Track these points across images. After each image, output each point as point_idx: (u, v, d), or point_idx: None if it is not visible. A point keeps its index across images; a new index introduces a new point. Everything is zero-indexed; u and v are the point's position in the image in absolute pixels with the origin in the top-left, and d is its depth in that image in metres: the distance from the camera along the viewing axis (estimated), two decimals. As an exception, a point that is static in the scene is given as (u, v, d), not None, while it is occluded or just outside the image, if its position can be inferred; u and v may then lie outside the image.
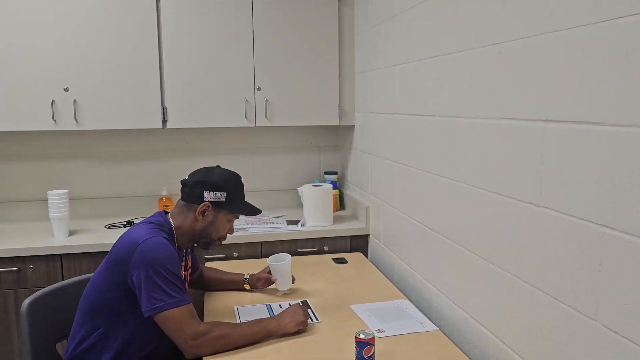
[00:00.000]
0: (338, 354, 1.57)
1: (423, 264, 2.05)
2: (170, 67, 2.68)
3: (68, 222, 2.55)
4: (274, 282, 2.04)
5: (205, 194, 1.73)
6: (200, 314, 2.42)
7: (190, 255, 1.95)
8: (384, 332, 1.73)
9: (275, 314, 1.84)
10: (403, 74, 2.19)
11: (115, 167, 3.03)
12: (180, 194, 1.79)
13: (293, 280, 2.08)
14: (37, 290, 1.82)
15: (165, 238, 1.63)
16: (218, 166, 1.83)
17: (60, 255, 2.42)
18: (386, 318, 1.84)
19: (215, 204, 1.75)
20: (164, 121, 2.72)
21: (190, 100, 2.72)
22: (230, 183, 1.76)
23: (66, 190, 2.54)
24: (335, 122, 2.92)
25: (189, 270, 1.94)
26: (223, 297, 2.06)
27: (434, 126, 1.90)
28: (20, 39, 2.53)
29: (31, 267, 2.40)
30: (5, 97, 2.54)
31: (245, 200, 1.89)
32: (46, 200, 2.90)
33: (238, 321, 1.81)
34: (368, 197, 2.74)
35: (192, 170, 1.85)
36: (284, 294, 2.05)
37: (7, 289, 2.39)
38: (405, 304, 1.97)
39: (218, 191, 1.73)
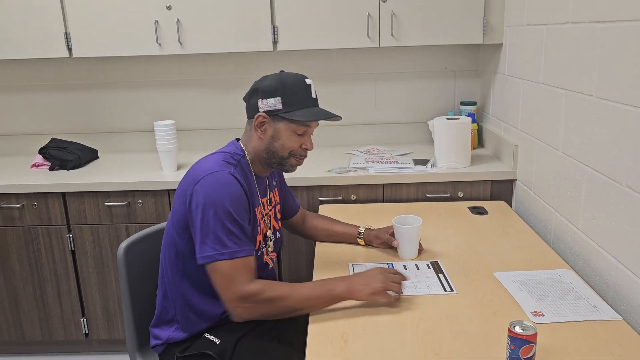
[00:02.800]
0: (480, 341, 1.18)
1: (597, 225, 1.54)
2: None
3: (176, 155, 2.38)
4: (395, 247, 1.67)
5: (260, 103, 1.40)
6: (311, 267, 2.15)
7: (277, 189, 1.64)
8: (542, 315, 1.29)
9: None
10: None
11: (223, 96, 2.79)
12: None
13: (420, 249, 1.68)
14: (147, 227, 1.69)
15: (231, 174, 1.36)
16: (282, 71, 1.46)
17: (168, 190, 2.27)
18: (544, 295, 1.39)
19: (271, 114, 1.40)
20: (275, 42, 2.37)
21: (303, 18, 2.34)
22: (287, 85, 1.39)
23: (173, 121, 2.35)
24: (478, 40, 2.36)
25: (277, 207, 1.63)
26: (337, 250, 1.74)
27: (630, 35, 1.32)
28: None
29: (140, 202, 2.27)
30: (104, 21, 2.36)
31: (313, 106, 1.43)
32: (153, 131, 2.77)
33: (352, 284, 1.48)
34: (517, 133, 2.20)
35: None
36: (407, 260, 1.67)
37: (119, 224, 2.30)
38: (569, 275, 1.50)
39: (272, 97, 1.39)
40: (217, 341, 1.43)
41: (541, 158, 1.96)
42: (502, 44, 2.37)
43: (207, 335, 1.45)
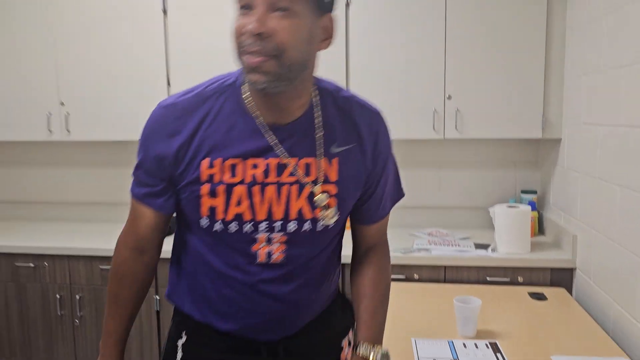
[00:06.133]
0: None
1: (653, 317, 1.61)
2: (354, 73, 2.60)
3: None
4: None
5: None
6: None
7: (338, 160, 1.10)
8: (597, 400, 1.38)
9: (458, 354, 1.60)
10: (633, 77, 1.77)
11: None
12: None
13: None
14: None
15: (167, 105, 1.08)
16: None
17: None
18: (600, 381, 1.47)
19: None
20: (349, 132, 2.65)
21: (375, 111, 2.61)
22: None
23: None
24: (537, 135, 2.54)
25: (322, 186, 1.09)
26: (398, 316, 1.88)
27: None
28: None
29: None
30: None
31: None
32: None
33: (415, 356, 1.61)
34: (576, 223, 2.31)
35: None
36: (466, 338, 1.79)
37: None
38: (627, 364, 1.57)
39: None
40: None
41: (599, 249, 2.05)
42: (560, 139, 2.53)
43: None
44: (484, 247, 2.48)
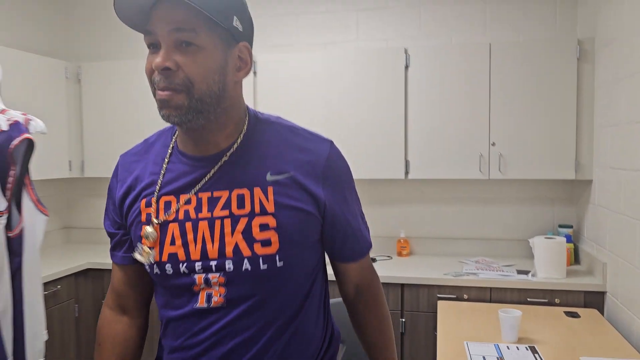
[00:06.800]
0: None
1: (666, 327, 1.98)
2: (412, 125, 3.09)
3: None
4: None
5: None
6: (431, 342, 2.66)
7: (274, 187, 1.03)
8: (615, 387, 1.75)
9: (502, 354, 2.00)
10: (646, 132, 2.18)
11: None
12: None
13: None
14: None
15: (125, 154, 1.15)
16: None
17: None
18: (619, 375, 1.85)
19: None
20: (406, 172, 3.12)
21: (429, 154, 3.08)
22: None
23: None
24: (571, 176, 2.94)
25: (258, 218, 1.01)
26: (453, 331, 2.29)
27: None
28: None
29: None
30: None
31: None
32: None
33: (468, 355, 2.02)
34: (606, 253, 2.68)
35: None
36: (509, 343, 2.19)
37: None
38: (643, 365, 1.93)
39: None
40: None
41: (625, 274, 2.42)
42: (592, 180, 2.92)
43: None
44: (525, 272, 2.87)
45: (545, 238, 2.85)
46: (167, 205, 1.03)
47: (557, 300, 2.72)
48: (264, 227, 1.00)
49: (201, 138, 1.03)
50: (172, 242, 1.02)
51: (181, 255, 1.01)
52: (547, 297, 2.73)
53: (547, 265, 2.79)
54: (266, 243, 1.00)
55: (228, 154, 1.04)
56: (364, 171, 3.16)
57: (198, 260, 1.01)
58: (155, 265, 1.03)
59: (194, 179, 1.04)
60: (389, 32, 3.42)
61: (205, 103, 0.96)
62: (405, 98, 3.10)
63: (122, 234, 1.11)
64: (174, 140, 1.09)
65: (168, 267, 1.02)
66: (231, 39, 0.98)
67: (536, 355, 2.03)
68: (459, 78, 3.03)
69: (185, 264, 1.01)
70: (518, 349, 2.09)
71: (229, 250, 1.00)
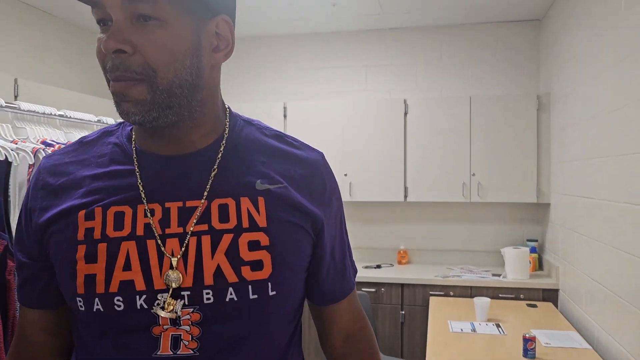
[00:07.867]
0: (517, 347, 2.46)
1: (594, 311, 2.78)
2: (410, 158, 3.92)
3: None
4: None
5: None
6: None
7: (264, 199, 0.84)
8: (549, 344, 2.54)
9: (475, 328, 2.78)
10: (585, 168, 3.01)
11: (367, 227, 4.35)
12: None
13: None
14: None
15: (51, 155, 0.89)
16: None
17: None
18: (554, 338, 2.64)
19: None
20: (405, 196, 3.94)
21: (423, 182, 3.90)
22: None
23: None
24: (534, 200, 3.77)
25: (246, 235, 0.81)
26: (440, 315, 3.08)
27: (611, 210, 2.70)
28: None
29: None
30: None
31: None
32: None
33: (450, 328, 2.80)
34: (559, 260, 3.49)
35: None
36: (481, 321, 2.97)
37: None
38: (573, 334, 2.72)
39: None
40: None
41: (571, 275, 3.22)
42: (549, 204, 3.74)
43: None
44: (498, 275, 3.67)
45: (513, 248, 3.65)
46: (119, 217, 0.79)
47: (521, 296, 3.51)
48: (253, 246, 0.79)
49: (171, 136, 0.82)
50: (127, 267, 0.76)
51: (139, 283, 0.76)
52: (514, 293, 3.52)
53: (515, 269, 3.59)
54: (257, 266, 0.79)
55: (204, 155, 0.83)
56: (370, 195, 3.98)
57: (163, 290, 0.76)
58: (97, 300, 0.76)
59: (160, 185, 0.81)
60: (391, 85, 4.28)
61: (174, 95, 0.76)
62: (405, 138, 3.94)
63: (41, 266, 0.83)
64: (131, 135, 0.86)
65: (118, 300, 0.75)
66: (205, 10, 0.78)
67: (499, 329, 2.81)
68: (446, 122, 3.87)
69: (144, 296, 0.76)
70: (487, 325, 2.88)
71: (207, 275, 0.77)
